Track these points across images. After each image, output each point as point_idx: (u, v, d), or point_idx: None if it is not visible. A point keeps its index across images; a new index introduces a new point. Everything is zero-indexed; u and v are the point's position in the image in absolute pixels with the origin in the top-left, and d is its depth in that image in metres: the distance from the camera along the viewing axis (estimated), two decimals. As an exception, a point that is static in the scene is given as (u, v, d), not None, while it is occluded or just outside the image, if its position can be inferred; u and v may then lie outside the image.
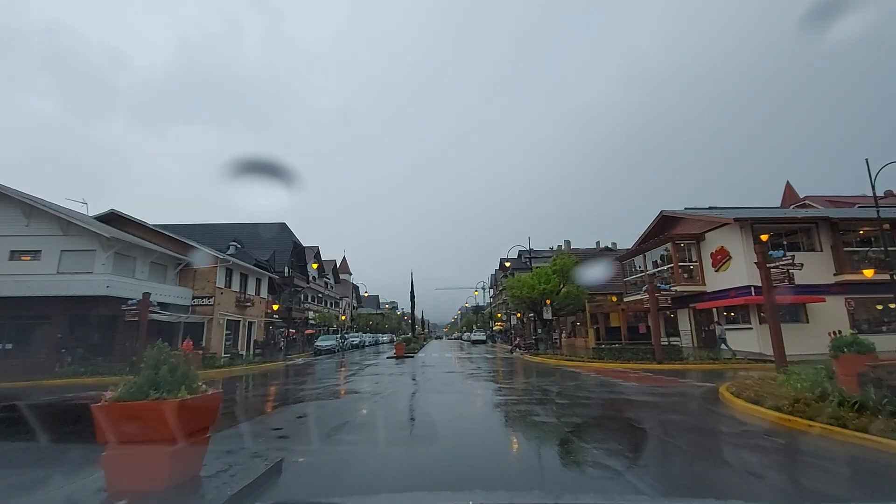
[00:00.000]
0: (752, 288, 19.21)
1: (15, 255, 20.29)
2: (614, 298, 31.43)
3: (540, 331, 30.73)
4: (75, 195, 41.39)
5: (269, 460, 4.08)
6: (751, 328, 19.58)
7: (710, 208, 27.08)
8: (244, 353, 27.49)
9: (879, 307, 19.67)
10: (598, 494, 3.39)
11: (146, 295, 17.53)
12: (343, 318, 57.01)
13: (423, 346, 46.40)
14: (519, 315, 43.88)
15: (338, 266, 72.05)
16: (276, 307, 33.50)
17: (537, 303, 28.24)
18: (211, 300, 25.36)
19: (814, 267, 18.63)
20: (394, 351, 29.12)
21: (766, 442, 5.60)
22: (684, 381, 11.57)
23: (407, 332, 52.99)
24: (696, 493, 3.85)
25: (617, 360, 17.77)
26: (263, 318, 33.03)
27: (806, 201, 36.10)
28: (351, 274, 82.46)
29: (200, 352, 20.87)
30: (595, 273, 27.51)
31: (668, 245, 23.77)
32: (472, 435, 6.36)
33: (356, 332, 58.73)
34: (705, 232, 22.58)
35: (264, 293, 33.52)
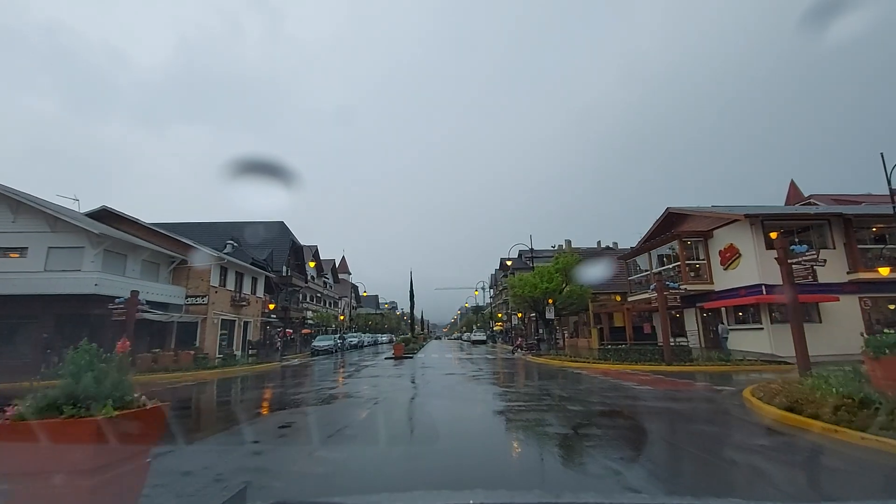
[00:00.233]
0: (763, 286, 18.58)
1: (0, 251, 19.62)
2: (618, 298, 30.81)
3: (542, 331, 30.08)
4: (75, 194, 40.67)
5: (232, 487, 3.41)
6: (761, 328, 18.92)
7: (713, 207, 26.43)
8: (239, 353, 26.81)
9: (892, 307, 19.03)
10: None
11: (134, 293, 16.85)
12: (342, 318, 56.26)
13: (423, 346, 45.72)
14: (520, 315, 43.22)
15: (337, 266, 71.42)
16: (272, 306, 32.81)
17: (539, 302, 27.60)
18: (205, 299, 24.68)
19: (827, 265, 17.97)
20: (392, 351, 28.46)
21: (832, 459, 4.89)
22: (700, 385, 10.91)
23: (406, 332, 52.29)
24: None
25: (624, 362, 17.11)
26: (260, 318, 32.35)
27: (811, 200, 35.48)
28: (350, 274, 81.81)
29: (192, 352, 20.21)
30: (598, 272, 26.88)
31: (675, 243, 23.13)
32: (480, 451, 5.57)
33: (355, 332, 58.06)
34: (713, 229, 21.94)
35: (261, 292, 32.85)
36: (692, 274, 22.59)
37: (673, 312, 24.06)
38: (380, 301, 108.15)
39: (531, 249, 34.78)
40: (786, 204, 39.11)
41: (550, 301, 26.59)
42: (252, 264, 31.65)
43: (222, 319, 26.38)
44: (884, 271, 17.47)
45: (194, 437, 6.25)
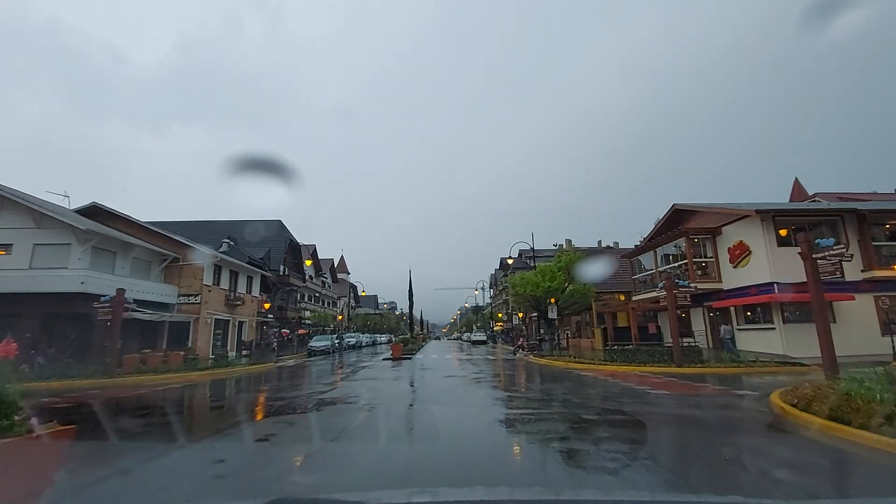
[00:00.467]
0: (775, 285, 17.92)
1: (-17, 248, 18.91)
2: (622, 297, 30.11)
3: (543, 331, 29.38)
4: (65, 190, 39.94)
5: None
6: (773, 328, 18.24)
7: (722, 203, 25.79)
8: (232, 353, 26.10)
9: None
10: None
11: (120, 291, 16.13)
12: (340, 318, 55.53)
13: (422, 346, 44.98)
14: (521, 315, 42.53)
15: (335, 265, 70.73)
16: (267, 306, 32.10)
17: (541, 301, 26.93)
18: (198, 298, 23.97)
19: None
20: (390, 352, 27.77)
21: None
22: (718, 389, 10.22)
23: (406, 333, 51.56)
24: None
25: (631, 363, 16.44)
26: (255, 318, 31.63)
27: (816, 198, 34.84)
28: (349, 273, 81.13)
29: (182, 353, 19.49)
30: (601, 270, 26.23)
31: (682, 240, 22.46)
32: (489, 475, 4.52)
33: (354, 332, 57.35)
34: (722, 226, 21.26)
35: (256, 291, 32.13)
36: (699, 272, 21.92)
37: (679, 312, 23.38)
38: (379, 301, 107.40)
39: (533, 249, 34.11)
40: (790, 202, 38.51)
41: (553, 300, 25.91)
42: (249, 263, 30.95)
43: (216, 319, 25.66)
44: (901, 269, 16.82)
45: (147, 455, 5.35)
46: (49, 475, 3.02)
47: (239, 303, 28.01)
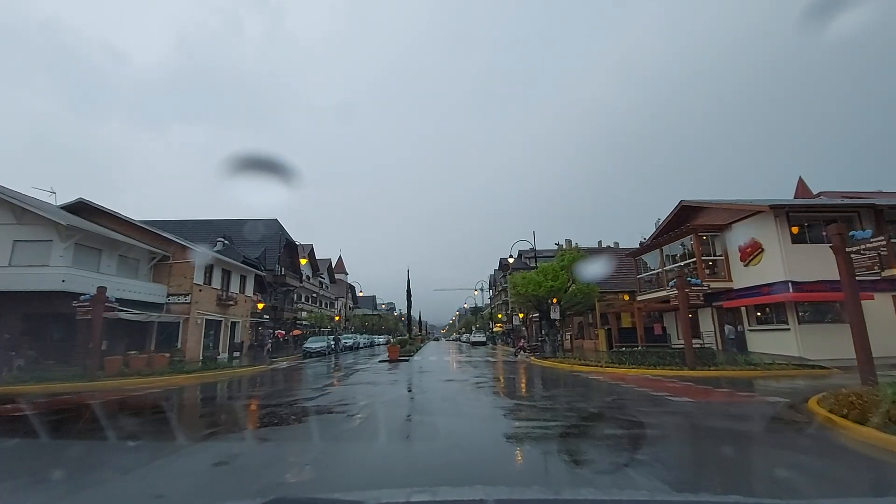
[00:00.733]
0: (790, 283, 17.18)
1: (-40, 245, 18.03)
2: (626, 297, 29.32)
3: (545, 332, 28.56)
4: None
5: None
6: (788, 329, 17.46)
7: (732, 199, 25.03)
8: (223, 355, 25.22)
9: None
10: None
11: (101, 289, 15.26)
12: (337, 318, 54.65)
13: (420, 348, 44.08)
14: (522, 315, 41.72)
15: (333, 265, 69.88)
16: (261, 306, 31.21)
17: (543, 301, 26.10)
18: (188, 298, 23.10)
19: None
20: (387, 354, 26.91)
21: None
22: (745, 395, 9.35)
23: (404, 334, 50.67)
24: None
25: (641, 366, 15.63)
26: (249, 318, 30.76)
27: (821, 197, 34.18)
28: (347, 274, 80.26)
29: (168, 354, 18.62)
30: (604, 270, 25.42)
31: (690, 238, 21.68)
32: None
33: (351, 332, 56.47)
34: (732, 223, 20.50)
35: (250, 291, 31.27)
36: (707, 271, 21.16)
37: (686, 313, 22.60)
38: (377, 302, 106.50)
39: (534, 249, 33.32)
40: (796, 201, 37.79)
41: (555, 300, 25.09)
42: (244, 262, 30.11)
43: (207, 319, 24.78)
44: (922, 267, 16.05)
45: (75, 484, 4.41)
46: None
47: (231, 303, 27.14)
